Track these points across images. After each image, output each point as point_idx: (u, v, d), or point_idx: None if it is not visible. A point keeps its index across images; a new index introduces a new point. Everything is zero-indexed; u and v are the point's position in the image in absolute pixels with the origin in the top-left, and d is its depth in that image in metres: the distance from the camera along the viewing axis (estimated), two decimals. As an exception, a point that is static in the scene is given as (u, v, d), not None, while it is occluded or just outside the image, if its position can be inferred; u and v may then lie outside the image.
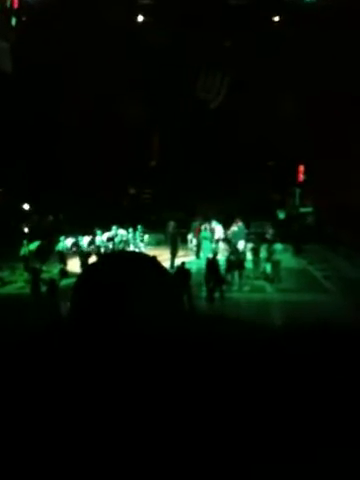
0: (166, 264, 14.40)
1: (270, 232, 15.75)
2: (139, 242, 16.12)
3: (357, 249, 14.51)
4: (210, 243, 15.05)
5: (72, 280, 13.06)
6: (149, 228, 17.27)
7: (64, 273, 11.88)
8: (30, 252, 13.08)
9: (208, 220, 16.35)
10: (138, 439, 5.16)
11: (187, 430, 5.38)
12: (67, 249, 14.42)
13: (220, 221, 16.79)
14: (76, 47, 19.40)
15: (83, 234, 15.45)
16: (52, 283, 11.28)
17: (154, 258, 5.18)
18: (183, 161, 21.16)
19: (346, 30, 17.61)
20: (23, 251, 13.08)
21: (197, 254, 15.02)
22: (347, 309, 11.01)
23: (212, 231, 15.73)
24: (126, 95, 20.91)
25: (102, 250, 14.85)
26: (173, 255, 14.61)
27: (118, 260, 4.82)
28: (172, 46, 20.45)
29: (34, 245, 13.87)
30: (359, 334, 8.89)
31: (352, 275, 13.54)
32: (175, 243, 14.80)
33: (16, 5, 18.79)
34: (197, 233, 15.37)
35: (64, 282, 13.05)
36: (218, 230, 15.66)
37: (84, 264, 13.05)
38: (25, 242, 13.37)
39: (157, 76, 20.85)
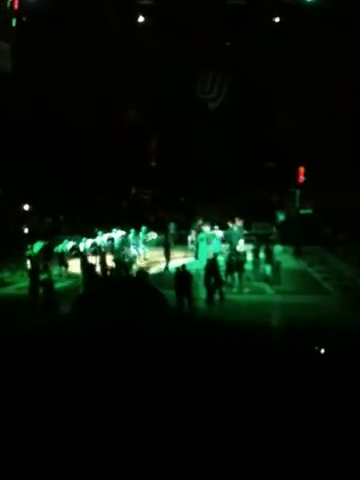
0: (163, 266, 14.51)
1: (275, 233, 15.76)
2: (141, 243, 16.10)
3: (355, 251, 14.55)
4: (207, 245, 15.03)
5: (72, 281, 13.15)
6: (150, 229, 17.29)
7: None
8: (34, 254, 13.14)
9: (208, 221, 16.36)
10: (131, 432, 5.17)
11: (182, 428, 5.41)
12: (67, 251, 14.43)
13: (220, 222, 16.81)
14: (75, 47, 19.44)
15: (83, 236, 15.44)
16: (48, 284, 11.31)
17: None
18: (183, 162, 21.19)
19: (346, 30, 17.60)
20: (29, 252, 13.16)
21: (196, 255, 15.02)
22: (346, 310, 11.07)
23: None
24: (126, 96, 20.95)
25: (103, 250, 14.85)
26: (167, 258, 14.58)
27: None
28: (172, 47, 20.48)
29: (38, 246, 13.90)
30: (357, 333, 8.97)
31: (351, 276, 13.58)
32: (168, 246, 14.79)
33: (16, 6, 18.80)
34: (196, 234, 15.36)
35: (62, 284, 13.10)
36: (217, 231, 15.65)
37: (84, 265, 13.05)
38: (29, 246, 13.45)
39: (157, 76, 20.87)
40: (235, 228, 15.78)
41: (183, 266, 11.85)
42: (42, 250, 13.99)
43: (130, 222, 17.07)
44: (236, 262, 12.83)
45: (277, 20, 20.09)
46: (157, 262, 15.46)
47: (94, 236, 16.12)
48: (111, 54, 19.69)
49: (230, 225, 15.92)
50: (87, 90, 19.99)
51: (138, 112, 22.08)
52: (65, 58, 19.45)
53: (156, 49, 20.79)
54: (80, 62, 19.74)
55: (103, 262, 13.95)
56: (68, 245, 14.59)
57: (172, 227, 15.33)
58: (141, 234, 16.31)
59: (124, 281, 12.38)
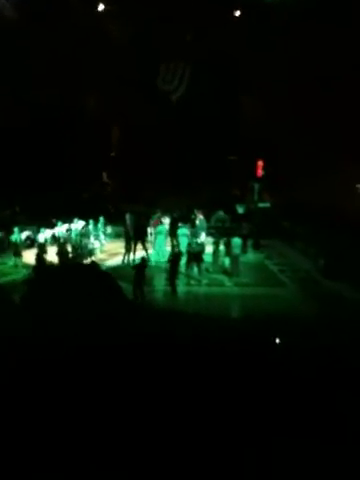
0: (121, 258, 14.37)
1: (245, 227, 15.90)
2: (101, 234, 15.89)
3: (312, 244, 14.99)
4: (165, 238, 15.00)
5: (27, 272, 12.78)
6: (109, 220, 17.07)
7: None
8: None
9: (168, 214, 16.32)
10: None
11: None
12: (21, 241, 14.04)
13: (181, 215, 16.83)
14: (32, 32, 18.82)
15: (40, 226, 15.06)
16: None
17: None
18: (144, 153, 21.01)
19: (313, 20, 17.73)
20: None
21: (154, 247, 14.99)
22: (301, 301, 11.44)
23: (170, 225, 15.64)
24: (86, 86, 20.51)
25: (61, 241, 14.53)
26: (128, 250, 14.43)
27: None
28: (133, 37, 20.19)
29: None
30: (311, 323, 9.28)
31: (306, 269, 14.01)
32: (129, 237, 14.61)
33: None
34: (155, 226, 15.31)
35: (17, 276, 12.70)
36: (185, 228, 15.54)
37: (39, 256, 12.70)
38: None
39: (118, 67, 20.53)
40: (197, 221, 15.88)
41: (142, 258, 11.99)
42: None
43: (90, 213, 16.77)
44: (196, 253, 12.95)
45: (238, 14, 20.13)
46: (116, 254, 15.32)
47: (53, 226, 15.76)
48: (69, 42, 19.14)
49: (196, 218, 15.96)
50: (44, 79, 19.38)
51: (100, 101, 21.64)
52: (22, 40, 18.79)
53: (117, 39, 20.42)
54: (39, 45, 19.12)
55: (61, 252, 13.65)
56: (22, 235, 14.22)
57: (128, 218, 15.12)
58: (100, 225, 16.11)
59: (75, 267, 12.12)
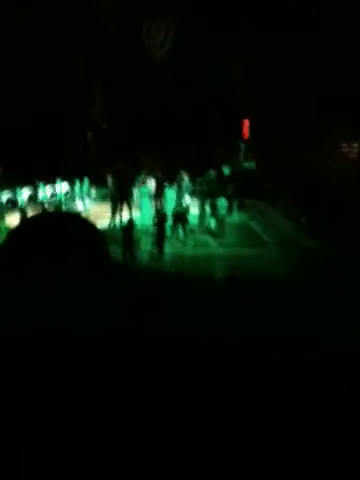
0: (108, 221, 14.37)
1: (230, 188, 15.93)
2: (85, 196, 15.80)
3: (294, 205, 15.22)
4: (149, 199, 15.01)
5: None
6: (93, 182, 16.91)
7: None
8: None
9: (152, 174, 16.24)
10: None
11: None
12: (2, 204, 13.90)
13: (166, 176, 16.76)
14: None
15: (22, 188, 14.87)
16: None
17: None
18: (128, 113, 20.57)
19: None
20: None
21: (139, 209, 15.04)
22: (281, 261, 11.78)
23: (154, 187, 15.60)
24: (68, 46, 19.68)
25: (46, 205, 14.45)
26: (113, 213, 14.42)
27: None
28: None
29: None
30: (290, 282, 9.61)
31: (287, 229, 14.32)
32: (115, 199, 14.58)
33: None
34: (139, 188, 15.29)
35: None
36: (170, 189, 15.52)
37: (23, 220, 12.67)
38: None
39: (99, 25, 19.67)
40: (183, 183, 15.89)
41: (129, 220, 12.08)
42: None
43: (74, 174, 16.58)
44: (181, 214, 13.09)
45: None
46: (103, 217, 15.33)
47: (36, 188, 15.60)
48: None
49: (182, 180, 15.93)
50: (26, 41, 18.54)
51: (81, 59, 20.85)
52: None
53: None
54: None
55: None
56: (3, 198, 14.06)
57: (110, 181, 14.98)
58: (84, 187, 15.99)
59: (59, 216, 11.95)
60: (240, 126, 21.42)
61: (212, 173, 17.25)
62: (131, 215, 14.29)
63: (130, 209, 14.62)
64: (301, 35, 17.94)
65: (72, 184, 15.74)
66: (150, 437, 4.73)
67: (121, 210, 14.54)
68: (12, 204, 14.80)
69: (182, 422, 4.99)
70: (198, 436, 4.77)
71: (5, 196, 14.50)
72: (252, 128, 20.94)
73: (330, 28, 17.04)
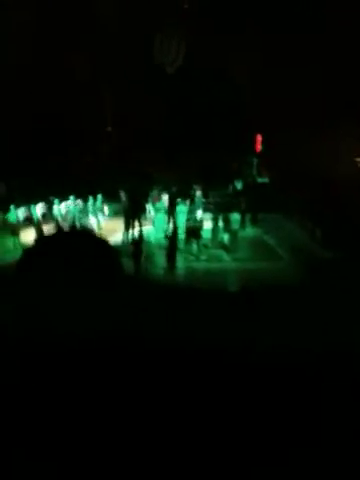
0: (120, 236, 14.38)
1: (243, 202, 15.93)
2: (99, 212, 15.83)
3: (309, 216, 15.05)
4: (164, 214, 14.97)
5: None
6: (106, 196, 16.93)
7: None
8: None
9: (165, 189, 16.22)
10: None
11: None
12: (19, 220, 14.01)
13: (179, 191, 16.73)
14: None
15: (36, 203, 14.96)
16: None
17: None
18: (141, 127, 20.73)
19: None
20: None
21: (154, 224, 15.00)
22: (297, 274, 11.56)
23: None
24: (78, 58, 20.06)
25: (60, 221, 14.52)
26: (126, 228, 14.39)
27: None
28: (127, 7, 19.64)
29: None
30: (304, 294, 9.43)
31: (302, 243, 14.12)
32: (128, 215, 14.55)
33: None
34: (154, 203, 15.28)
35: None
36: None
37: (39, 236, 12.75)
38: None
39: (110, 38, 20.04)
40: (196, 198, 15.86)
41: (139, 234, 12.14)
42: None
43: (85, 189, 16.62)
44: (194, 229, 13.03)
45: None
46: (115, 232, 15.34)
47: (50, 205, 15.66)
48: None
49: (195, 194, 15.91)
50: (35, 51, 19.00)
51: (91, 71, 21.14)
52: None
53: (110, 8, 19.85)
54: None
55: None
56: (20, 214, 14.14)
57: (123, 196, 15.05)
58: (98, 203, 16.04)
59: (72, 235, 12.10)
60: (253, 140, 21.44)
61: (230, 187, 17.27)
62: (141, 230, 14.27)
63: (140, 224, 14.54)
64: (316, 45, 17.95)
65: (85, 200, 15.79)
66: (150, 437, 4.61)
67: (134, 226, 14.51)
68: (29, 221, 14.82)
69: (182, 421, 4.88)
70: (198, 436, 4.66)
71: (22, 213, 14.50)
72: (265, 142, 20.92)
73: (348, 37, 17.03)
